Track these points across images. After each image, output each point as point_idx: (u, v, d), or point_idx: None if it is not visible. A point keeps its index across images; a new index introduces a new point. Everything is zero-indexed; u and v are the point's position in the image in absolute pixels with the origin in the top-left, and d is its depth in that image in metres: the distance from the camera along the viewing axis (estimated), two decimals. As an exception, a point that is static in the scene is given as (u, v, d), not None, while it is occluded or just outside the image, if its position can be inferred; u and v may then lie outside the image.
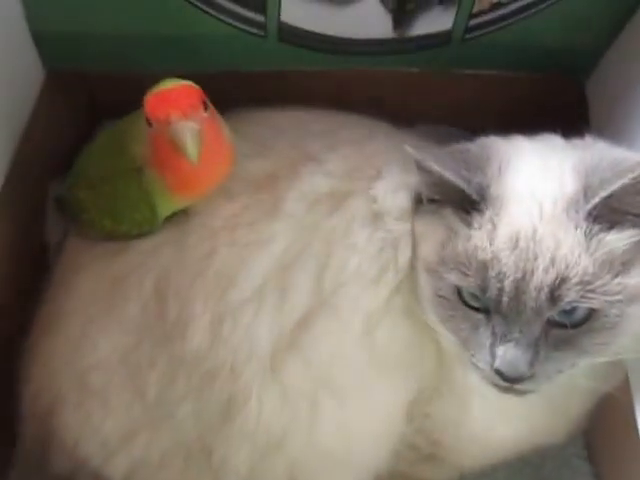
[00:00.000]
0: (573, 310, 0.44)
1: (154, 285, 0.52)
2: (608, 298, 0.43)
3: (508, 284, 0.44)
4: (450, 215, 0.48)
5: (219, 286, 0.51)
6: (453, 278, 0.46)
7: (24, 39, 0.64)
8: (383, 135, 0.60)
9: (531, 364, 0.44)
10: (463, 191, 0.46)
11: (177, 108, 0.46)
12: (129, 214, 0.54)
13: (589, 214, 0.44)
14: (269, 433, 0.51)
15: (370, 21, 0.65)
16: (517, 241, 0.44)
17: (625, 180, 0.42)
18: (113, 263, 0.54)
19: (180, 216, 0.55)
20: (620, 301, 0.44)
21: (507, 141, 0.52)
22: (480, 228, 0.46)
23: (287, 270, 0.52)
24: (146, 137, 0.50)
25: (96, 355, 0.52)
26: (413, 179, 0.52)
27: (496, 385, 0.46)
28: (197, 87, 0.49)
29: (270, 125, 0.60)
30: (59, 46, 0.65)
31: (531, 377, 0.44)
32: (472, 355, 0.47)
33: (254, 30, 0.65)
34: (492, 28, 0.67)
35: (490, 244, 0.45)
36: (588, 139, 0.52)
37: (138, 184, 0.53)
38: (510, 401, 0.48)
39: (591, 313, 0.44)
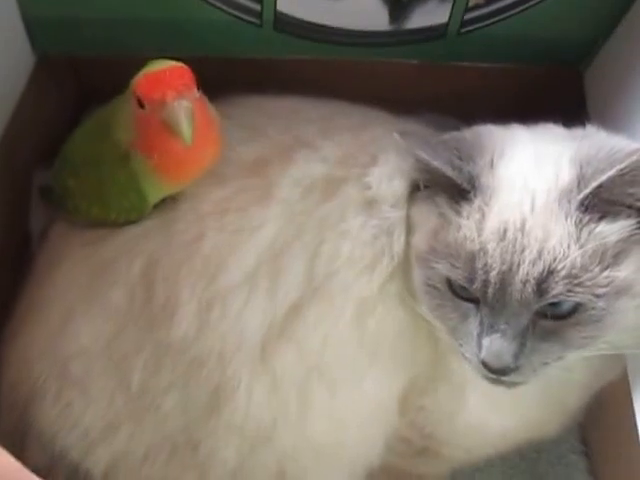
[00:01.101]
0: (559, 303, 0.41)
1: (141, 271, 0.47)
2: (595, 291, 0.40)
3: (493, 276, 0.41)
4: (443, 203, 0.45)
5: (207, 272, 0.47)
6: (442, 268, 0.43)
7: (15, 24, 0.60)
8: (380, 122, 0.56)
9: (516, 356, 0.41)
10: (453, 180, 0.43)
11: (172, 88, 0.44)
12: (117, 201, 0.49)
13: (581, 204, 0.41)
14: (258, 425, 0.46)
15: (366, 13, 0.62)
16: (505, 232, 0.41)
17: (613, 171, 0.39)
18: (99, 249, 0.49)
19: (169, 202, 0.50)
20: (607, 294, 0.40)
21: (504, 130, 0.48)
22: (469, 218, 0.43)
23: (279, 256, 0.47)
24: (132, 121, 0.47)
25: (78, 343, 0.47)
26: (410, 165, 0.48)
27: (485, 376, 0.43)
28: (188, 68, 0.45)
29: (264, 111, 0.56)
30: (50, 31, 0.62)
31: (517, 369, 0.41)
32: (460, 345, 0.44)
33: (250, 18, 0.62)
34: (489, 21, 0.64)
35: (478, 235, 0.42)
36: (590, 129, 0.48)
37: (125, 170, 0.48)
38: (506, 393, 0.45)
39: (577, 306, 0.41)
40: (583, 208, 0.41)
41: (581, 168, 0.42)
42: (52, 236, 0.53)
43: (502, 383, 0.43)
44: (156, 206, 0.50)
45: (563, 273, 0.40)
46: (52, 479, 0.46)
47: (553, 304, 0.41)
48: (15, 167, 0.59)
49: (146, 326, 0.46)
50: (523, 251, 0.41)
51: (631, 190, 0.40)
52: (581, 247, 0.40)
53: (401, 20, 0.62)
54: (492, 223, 0.42)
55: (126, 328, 0.46)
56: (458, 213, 0.43)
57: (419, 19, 0.62)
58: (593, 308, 0.40)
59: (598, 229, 0.41)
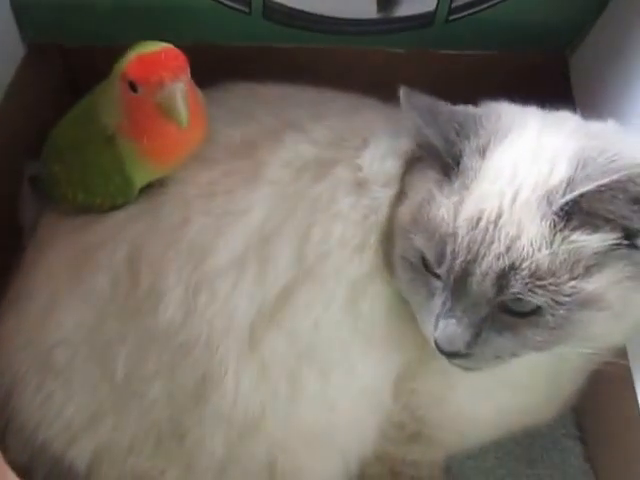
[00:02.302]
0: (520, 300, 0.38)
1: (126, 256, 0.44)
2: (557, 298, 0.38)
3: (457, 264, 0.39)
4: (433, 176, 0.42)
5: (194, 256, 0.43)
6: (418, 242, 0.41)
7: (4, 13, 0.56)
8: (371, 107, 0.53)
9: (469, 344, 0.39)
10: (440, 153, 0.41)
11: (169, 70, 0.41)
12: (102, 185, 0.46)
13: (561, 209, 0.38)
14: (247, 412, 0.43)
15: (354, 0, 0.58)
16: (478, 222, 0.39)
17: (593, 186, 0.36)
18: (84, 236, 0.46)
19: (156, 186, 0.47)
20: (570, 304, 0.38)
21: (519, 112, 0.44)
22: (449, 198, 0.40)
23: (268, 239, 0.44)
24: (119, 104, 0.44)
25: (61, 332, 0.43)
26: (403, 146, 0.47)
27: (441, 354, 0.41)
28: (179, 50, 0.43)
29: (254, 96, 0.53)
30: (40, 20, 0.58)
31: (468, 356, 0.40)
32: (423, 322, 0.42)
33: (238, 6, 0.59)
34: (476, 9, 0.61)
35: (454, 219, 0.40)
36: (610, 125, 0.44)
37: (111, 154, 0.46)
38: (496, 375, 0.43)
39: (537, 308, 0.38)
40: (562, 213, 0.38)
41: (575, 170, 0.38)
42: (41, 225, 0.50)
43: (455, 365, 0.41)
44: (142, 191, 0.47)
45: (525, 272, 0.37)
46: (34, 472, 0.42)
47: (514, 300, 0.38)
48: (5, 157, 0.55)
49: (131, 312, 0.43)
50: (491, 244, 0.38)
51: (610, 207, 0.37)
52: (552, 252, 0.37)
53: (389, 8, 0.60)
54: (469, 209, 0.39)
55: (110, 315, 0.43)
56: (441, 190, 0.41)
57: (407, 7, 0.59)
58: (552, 315, 0.38)
59: (574, 237, 0.38)
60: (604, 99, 0.56)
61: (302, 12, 0.59)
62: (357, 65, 0.63)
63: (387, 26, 0.61)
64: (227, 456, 0.43)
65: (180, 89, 0.41)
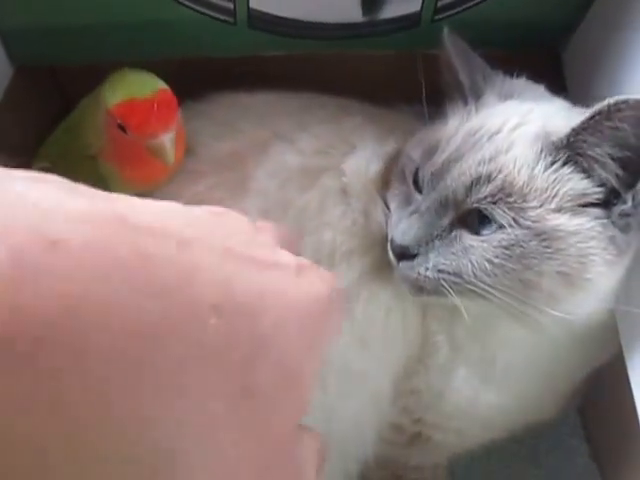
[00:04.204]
0: (480, 214, 0.39)
1: None
2: (518, 219, 0.38)
3: (441, 160, 0.41)
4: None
5: None
6: (414, 153, 0.44)
7: (-11, 36, 0.57)
8: (359, 113, 0.53)
9: (419, 241, 0.40)
10: (462, 85, 0.45)
11: (162, 122, 0.42)
12: None
13: (553, 143, 0.39)
14: None
15: (339, 5, 0.58)
16: (475, 132, 0.41)
17: (579, 122, 0.38)
18: None
19: (144, 201, 0.47)
20: (528, 229, 0.37)
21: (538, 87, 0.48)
22: (455, 116, 0.44)
23: None
24: (103, 132, 0.44)
25: None
26: (389, 149, 0.48)
27: (389, 261, 0.42)
28: (169, 90, 0.43)
29: (239, 107, 0.53)
30: (26, 41, 0.58)
31: (413, 257, 0.40)
32: (389, 225, 0.43)
33: (223, 17, 0.59)
34: (462, 7, 0.60)
35: (456, 131, 0.42)
36: None
37: (93, 170, 0.46)
38: (493, 368, 0.45)
39: (495, 228, 0.38)
40: (553, 146, 0.39)
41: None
42: None
43: (400, 275, 0.41)
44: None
45: (498, 184, 0.38)
46: None
47: (478, 212, 0.39)
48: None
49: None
50: (479, 150, 0.40)
51: (592, 139, 0.37)
52: (531, 175, 0.38)
53: (374, 10, 0.59)
54: (472, 123, 0.42)
55: None
56: (454, 114, 0.44)
57: (392, 8, 0.59)
58: (508, 235, 0.38)
59: (557, 169, 0.39)
60: (600, 94, 0.56)
61: (287, 19, 0.59)
62: (346, 69, 0.62)
63: (374, 29, 0.61)
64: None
65: (170, 139, 0.41)
